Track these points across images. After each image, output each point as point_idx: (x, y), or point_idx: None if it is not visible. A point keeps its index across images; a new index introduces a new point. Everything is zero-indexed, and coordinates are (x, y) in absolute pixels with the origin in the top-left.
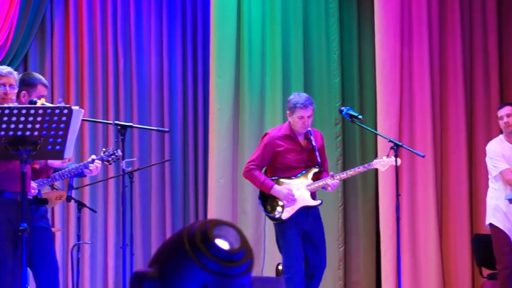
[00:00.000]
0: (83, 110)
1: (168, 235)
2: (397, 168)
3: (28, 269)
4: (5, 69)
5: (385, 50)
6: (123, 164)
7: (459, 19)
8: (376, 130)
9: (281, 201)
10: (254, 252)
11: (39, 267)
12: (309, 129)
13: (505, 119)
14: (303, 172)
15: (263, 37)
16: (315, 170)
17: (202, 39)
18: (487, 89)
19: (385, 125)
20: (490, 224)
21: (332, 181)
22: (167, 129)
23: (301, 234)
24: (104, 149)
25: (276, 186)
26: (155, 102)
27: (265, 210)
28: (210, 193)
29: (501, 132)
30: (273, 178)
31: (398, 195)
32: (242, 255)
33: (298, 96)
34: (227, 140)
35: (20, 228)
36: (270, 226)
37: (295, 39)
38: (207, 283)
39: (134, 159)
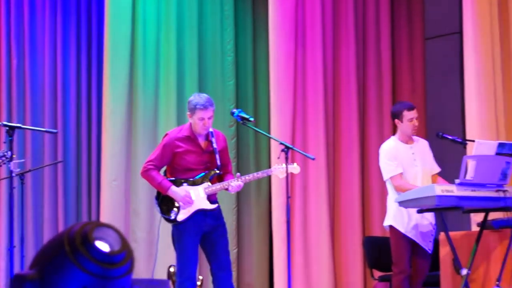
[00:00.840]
0: None
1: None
2: (287, 171)
3: None
4: None
5: (279, 52)
6: (11, 165)
7: (353, 21)
8: (270, 132)
9: (178, 202)
10: (134, 254)
11: None
12: (211, 130)
13: (416, 122)
14: (202, 174)
15: (157, 38)
16: (215, 172)
17: (97, 39)
18: (380, 91)
19: (278, 127)
20: (390, 226)
21: (236, 182)
22: (55, 130)
23: (200, 236)
24: None
25: (173, 187)
26: (49, 102)
27: (161, 211)
28: (103, 195)
29: (393, 134)
30: (171, 179)
31: (288, 197)
32: (122, 257)
33: (198, 97)
34: (120, 142)
35: None
36: (164, 228)
37: (190, 41)
38: (87, 285)
39: (23, 160)
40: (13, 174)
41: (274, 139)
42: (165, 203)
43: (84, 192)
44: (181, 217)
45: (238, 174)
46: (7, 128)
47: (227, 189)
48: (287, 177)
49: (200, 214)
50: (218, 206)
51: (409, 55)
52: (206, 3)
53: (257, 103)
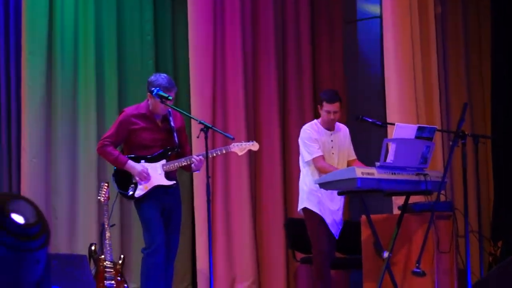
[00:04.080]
0: None
1: None
2: (207, 150)
3: None
4: None
5: (198, 32)
6: None
7: (272, 1)
8: (190, 113)
9: (135, 177)
10: (49, 227)
11: None
12: (169, 109)
13: (332, 116)
14: (160, 151)
15: (76, 15)
16: (173, 150)
17: (14, 12)
18: (299, 74)
19: (199, 107)
20: (305, 209)
21: (195, 157)
22: None
23: (160, 211)
24: None
25: (130, 161)
26: None
27: (118, 187)
28: (23, 172)
29: (315, 118)
30: (129, 156)
31: (208, 177)
32: (38, 229)
33: (160, 78)
34: (40, 119)
35: None
36: (85, 206)
37: (108, 19)
38: (1, 256)
39: None
40: None
41: (193, 119)
42: (123, 180)
43: (5, 168)
44: (138, 193)
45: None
46: None
47: (186, 168)
48: (207, 156)
49: (159, 190)
50: (177, 184)
51: (329, 39)
52: None
53: (177, 83)
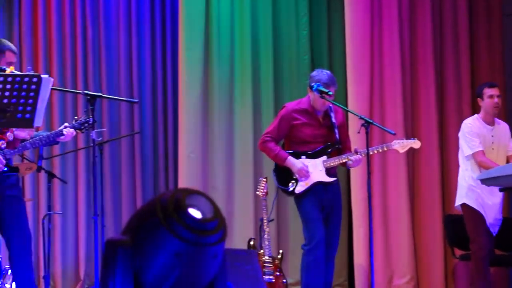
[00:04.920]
0: (52, 79)
1: (139, 206)
2: (368, 146)
3: (0, 237)
4: None
5: (355, 26)
6: (93, 134)
7: None
8: (347, 107)
9: (295, 174)
10: (227, 222)
11: (11, 235)
12: (331, 105)
13: (496, 99)
14: (321, 147)
15: (232, 12)
16: (334, 146)
17: (171, 11)
18: (458, 69)
19: (356, 102)
20: (464, 205)
21: (356, 156)
22: (136, 100)
23: (320, 208)
24: (76, 118)
25: (290, 158)
26: (124, 73)
27: (279, 183)
28: (180, 168)
29: (476, 112)
30: (290, 151)
31: (369, 173)
32: (215, 224)
33: (321, 74)
34: (197, 114)
35: None
36: (242, 201)
37: (264, 15)
38: (180, 252)
39: (104, 129)
40: (95, 143)
41: (354, 114)
42: (283, 176)
43: (161, 164)
44: (299, 189)
45: (356, 147)
46: (89, 97)
47: (345, 165)
48: (368, 153)
49: (319, 187)
50: (337, 181)
51: (487, 33)
52: None
53: None
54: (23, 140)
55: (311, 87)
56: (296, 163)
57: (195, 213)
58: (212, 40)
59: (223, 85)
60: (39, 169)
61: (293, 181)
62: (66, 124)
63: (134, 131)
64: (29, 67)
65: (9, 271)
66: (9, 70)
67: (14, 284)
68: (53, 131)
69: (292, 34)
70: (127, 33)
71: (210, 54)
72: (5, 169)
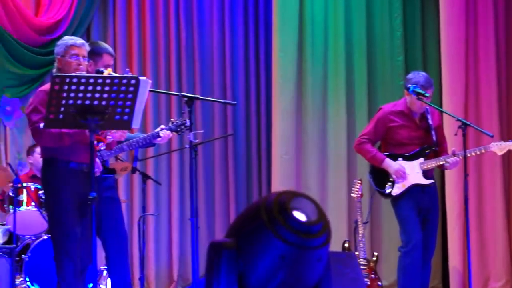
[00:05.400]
0: (150, 81)
1: (232, 209)
2: (465, 148)
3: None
4: (79, 40)
5: (451, 28)
6: (190, 136)
7: None
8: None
9: (392, 175)
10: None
11: (108, 236)
12: (427, 107)
13: None
14: (418, 150)
15: (325, 13)
16: (431, 148)
17: (264, 12)
18: None
19: (451, 104)
20: None
21: (453, 158)
22: (234, 102)
23: (417, 210)
24: (172, 120)
25: (387, 160)
26: (217, 75)
27: (375, 185)
28: (274, 168)
29: None
30: (386, 153)
31: (466, 175)
32: (320, 227)
33: (418, 76)
34: (290, 116)
35: (89, 197)
36: (336, 202)
37: (358, 16)
38: (284, 255)
39: (201, 131)
40: (191, 145)
41: (451, 115)
42: (380, 178)
43: (254, 165)
44: (395, 191)
45: (454, 149)
46: (186, 99)
47: (442, 167)
48: (464, 154)
49: (417, 189)
50: (434, 183)
51: None
52: None
53: None
54: (119, 142)
55: (408, 89)
56: (393, 165)
57: (300, 215)
58: (305, 41)
59: (317, 86)
60: (134, 170)
61: (389, 183)
62: (162, 126)
63: (227, 132)
64: (127, 69)
65: (104, 272)
66: (107, 72)
67: (110, 284)
68: (149, 133)
69: (386, 35)
70: (220, 34)
71: (303, 55)
72: (102, 170)
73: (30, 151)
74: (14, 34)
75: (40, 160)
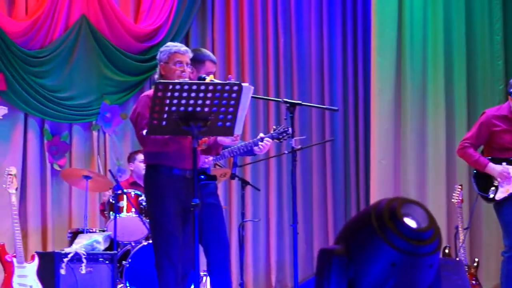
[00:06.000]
0: (252, 87)
1: (329, 215)
2: None
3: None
4: (183, 47)
5: None
6: (292, 142)
7: None
8: None
9: (495, 179)
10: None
11: (210, 242)
12: None
13: None
14: None
15: (424, 17)
16: None
17: (362, 17)
18: None
19: None
20: None
21: None
22: (336, 108)
23: None
24: (274, 127)
25: (491, 164)
26: (315, 81)
27: (479, 189)
28: (372, 174)
29: None
30: (488, 158)
31: None
32: (430, 234)
33: None
34: (388, 121)
35: (192, 203)
36: (435, 208)
37: (457, 20)
38: (395, 262)
39: (303, 137)
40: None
41: None
42: (483, 182)
43: (352, 171)
44: (499, 195)
45: None
46: (288, 105)
47: None
48: None
49: None
50: None
51: None
52: None
53: None
54: (225, 147)
55: (510, 94)
56: (496, 168)
57: (410, 222)
58: (404, 45)
59: (415, 90)
60: (233, 176)
61: (493, 188)
62: (261, 134)
63: (325, 138)
64: (230, 75)
65: (204, 278)
66: (209, 78)
67: None
68: (250, 141)
69: (486, 38)
70: (318, 39)
71: (402, 59)
72: (202, 177)
73: (131, 158)
74: (114, 41)
75: (141, 167)
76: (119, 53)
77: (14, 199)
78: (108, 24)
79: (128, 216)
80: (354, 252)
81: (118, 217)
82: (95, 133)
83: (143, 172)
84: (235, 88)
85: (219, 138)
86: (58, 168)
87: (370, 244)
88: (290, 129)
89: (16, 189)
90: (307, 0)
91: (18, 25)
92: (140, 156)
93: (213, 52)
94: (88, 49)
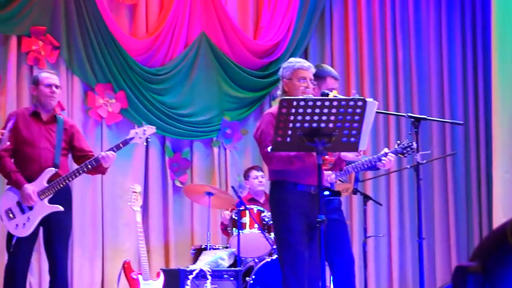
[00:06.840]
0: (377, 103)
1: (452, 229)
2: None
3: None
4: (306, 63)
5: None
6: (417, 156)
7: None
8: None
9: None
10: None
11: (335, 258)
12: None
13: None
14: None
15: None
16: None
17: (482, 29)
18: None
19: None
20: None
21: None
22: (461, 122)
23: None
24: (398, 142)
25: None
26: (435, 94)
27: None
28: (495, 188)
29: None
30: None
31: None
32: None
33: None
34: (511, 135)
35: (318, 219)
36: None
37: None
38: None
39: (428, 151)
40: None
41: None
42: None
43: (474, 184)
44: None
45: None
46: (413, 119)
47: None
48: None
49: None
50: None
51: None
52: None
53: None
54: (348, 163)
55: None
56: None
57: None
58: None
59: None
60: (355, 191)
61: None
62: (386, 149)
63: (446, 151)
64: (353, 90)
65: None
66: (332, 94)
67: None
68: (374, 156)
69: None
70: (437, 52)
71: None
72: (327, 193)
73: (246, 176)
74: (233, 57)
75: (255, 183)
76: (239, 70)
77: (139, 217)
78: (228, 40)
79: (251, 232)
80: (490, 269)
81: (241, 233)
82: (216, 150)
83: (258, 188)
84: (360, 103)
85: (343, 154)
86: (180, 185)
87: (507, 261)
88: (414, 144)
89: (141, 206)
90: (426, 12)
91: (139, 43)
92: (254, 173)
93: (332, 66)
94: (208, 65)
